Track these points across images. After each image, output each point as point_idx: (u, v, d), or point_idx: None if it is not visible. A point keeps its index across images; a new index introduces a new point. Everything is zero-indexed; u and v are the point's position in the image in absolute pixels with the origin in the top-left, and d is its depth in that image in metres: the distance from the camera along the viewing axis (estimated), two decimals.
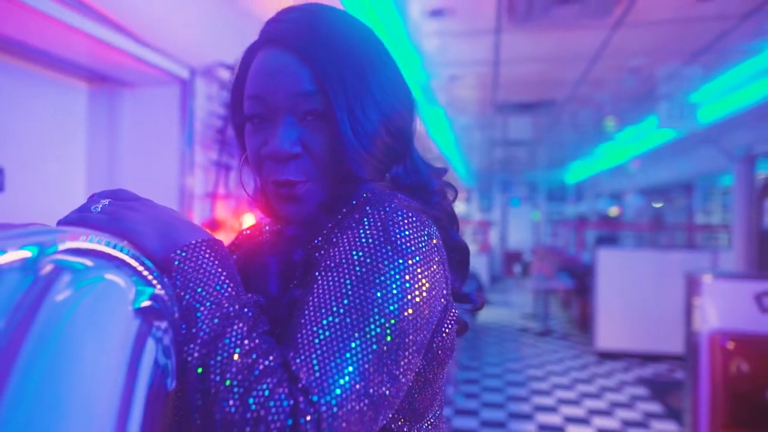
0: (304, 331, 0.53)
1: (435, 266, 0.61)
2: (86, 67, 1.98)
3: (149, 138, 2.11)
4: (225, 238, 0.76)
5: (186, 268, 0.54)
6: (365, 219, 0.59)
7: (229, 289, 0.55)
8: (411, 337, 0.57)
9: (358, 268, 0.56)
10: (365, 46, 0.69)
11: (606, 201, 10.41)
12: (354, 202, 0.64)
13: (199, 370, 0.50)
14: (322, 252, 0.61)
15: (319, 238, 0.64)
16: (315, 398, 0.50)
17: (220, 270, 0.55)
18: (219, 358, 0.50)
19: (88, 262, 0.45)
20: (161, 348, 0.48)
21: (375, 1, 2.56)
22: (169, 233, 0.57)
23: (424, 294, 0.58)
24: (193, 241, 0.56)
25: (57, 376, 0.39)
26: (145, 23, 1.79)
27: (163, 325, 0.48)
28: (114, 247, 0.47)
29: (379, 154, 0.66)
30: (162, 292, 0.49)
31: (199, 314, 0.52)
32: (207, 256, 0.55)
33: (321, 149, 0.65)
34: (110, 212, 0.57)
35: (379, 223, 0.59)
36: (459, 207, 13.85)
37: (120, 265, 0.47)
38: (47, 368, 0.38)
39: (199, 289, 0.53)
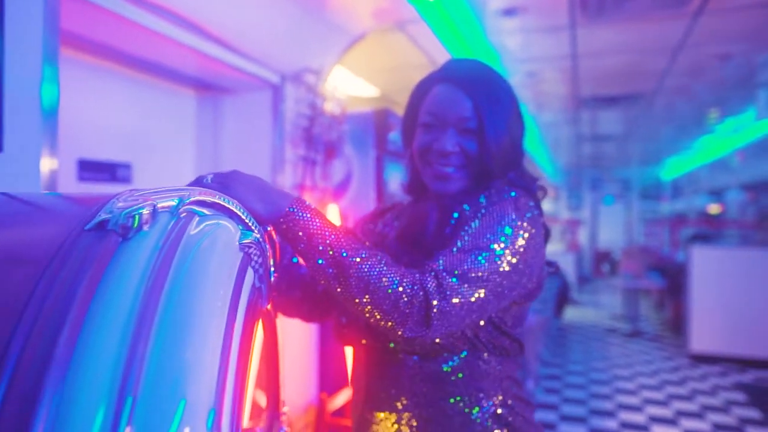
0: (451, 246, 0.89)
1: (540, 229, 0.97)
2: (194, 78, 2.29)
3: (246, 137, 2.39)
4: None
5: (302, 221, 0.83)
6: (504, 197, 0.96)
7: (335, 228, 0.86)
8: (519, 265, 0.90)
9: (493, 218, 0.92)
10: (502, 89, 1.05)
11: (705, 198, 9.75)
12: (492, 190, 1.00)
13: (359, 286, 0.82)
14: (473, 211, 0.96)
15: (470, 205, 1.00)
16: (448, 276, 0.84)
17: (321, 217, 0.85)
18: (369, 267, 0.82)
19: (209, 211, 0.65)
20: (258, 275, 0.67)
21: (450, 1, 2.69)
22: (266, 197, 0.82)
23: (531, 241, 0.93)
24: (290, 203, 0.83)
25: (192, 283, 0.58)
26: (242, 37, 2.05)
27: (259, 259, 0.67)
28: (227, 202, 0.67)
29: (504, 159, 1.02)
30: (258, 236, 0.68)
31: (331, 246, 0.83)
32: (306, 211, 0.84)
33: (470, 150, 1.01)
34: (218, 182, 0.80)
35: (511, 200, 0.95)
36: (546, 206, 13.55)
37: (230, 214, 0.67)
38: (186, 276, 0.58)
39: (321, 231, 0.84)
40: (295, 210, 0.83)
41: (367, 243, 0.90)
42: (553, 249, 10.33)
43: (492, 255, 0.88)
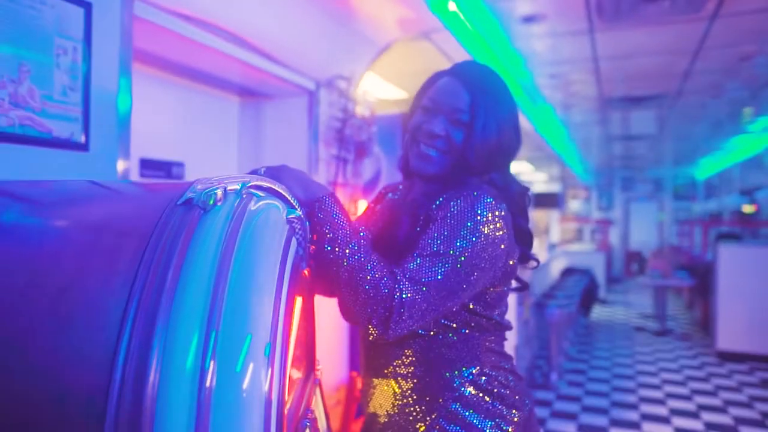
0: (415, 253, 1.00)
1: (499, 225, 1.04)
2: (239, 85, 2.53)
3: (284, 138, 2.63)
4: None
5: (326, 209, 1.01)
6: (464, 196, 1.03)
7: (350, 224, 1.02)
8: (477, 263, 1.01)
9: (451, 222, 1.01)
10: (503, 96, 1.14)
11: (739, 197, 9.61)
12: (458, 188, 1.07)
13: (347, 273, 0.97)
14: (437, 212, 1.05)
15: (435, 204, 1.08)
16: (409, 285, 0.96)
17: (342, 212, 1.02)
18: (357, 264, 0.96)
19: (264, 194, 0.86)
20: (299, 244, 0.88)
21: (471, 11, 2.87)
22: (307, 187, 1.02)
23: (490, 236, 1.02)
24: (326, 193, 1.02)
25: (253, 247, 0.79)
26: (281, 48, 2.28)
27: (301, 231, 0.88)
28: (277, 187, 0.88)
29: (486, 157, 1.10)
30: (300, 213, 0.89)
31: (338, 237, 0.98)
32: (334, 203, 1.02)
33: (455, 139, 1.10)
34: (270, 173, 1.01)
35: (470, 200, 1.02)
36: (576, 205, 13.40)
37: (279, 196, 0.88)
38: (249, 241, 0.78)
39: (336, 223, 1.00)
40: (325, 200, 1.01)
41: (371, 245, 1.02)
42: (583, 249, 10.32)
43: (449, 259, 0.98)
